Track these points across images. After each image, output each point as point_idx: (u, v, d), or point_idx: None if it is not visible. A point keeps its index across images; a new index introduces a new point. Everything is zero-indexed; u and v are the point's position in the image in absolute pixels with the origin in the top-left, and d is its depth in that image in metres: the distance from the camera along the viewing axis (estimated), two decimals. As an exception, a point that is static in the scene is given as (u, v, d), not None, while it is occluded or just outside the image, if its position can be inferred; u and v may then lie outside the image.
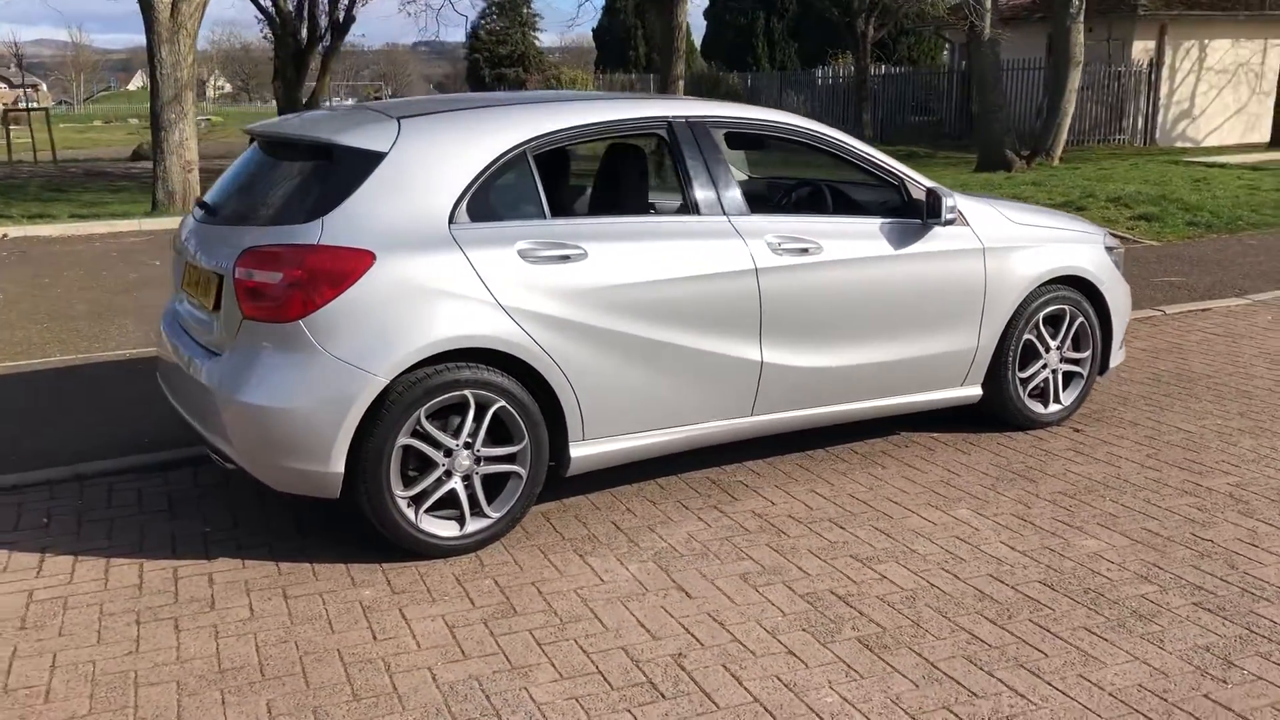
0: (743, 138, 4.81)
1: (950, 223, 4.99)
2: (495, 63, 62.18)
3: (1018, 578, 3.90)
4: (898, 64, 34.72)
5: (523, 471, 4.20)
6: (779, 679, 3.26)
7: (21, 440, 5.48)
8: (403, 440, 3.97)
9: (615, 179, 4.89)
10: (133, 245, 12.02)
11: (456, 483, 4.10)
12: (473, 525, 4.15)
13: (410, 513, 4.03)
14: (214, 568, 4.07)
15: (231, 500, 4.72)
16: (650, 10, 52.35)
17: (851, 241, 4.82)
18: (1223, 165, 18.26)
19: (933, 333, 5.07)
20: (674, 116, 4.62)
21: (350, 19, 20.36)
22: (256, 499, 4.70)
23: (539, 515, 4.48)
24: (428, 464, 4.05)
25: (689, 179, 4.56)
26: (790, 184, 5.86)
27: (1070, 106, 18.79)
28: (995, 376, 5.33)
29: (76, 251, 11.74)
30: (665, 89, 16.90)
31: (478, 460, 4.12)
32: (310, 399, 3.85)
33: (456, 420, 4.08)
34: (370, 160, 4.05)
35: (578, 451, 4.33)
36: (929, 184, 5.05)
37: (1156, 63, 25.64)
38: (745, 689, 3.21)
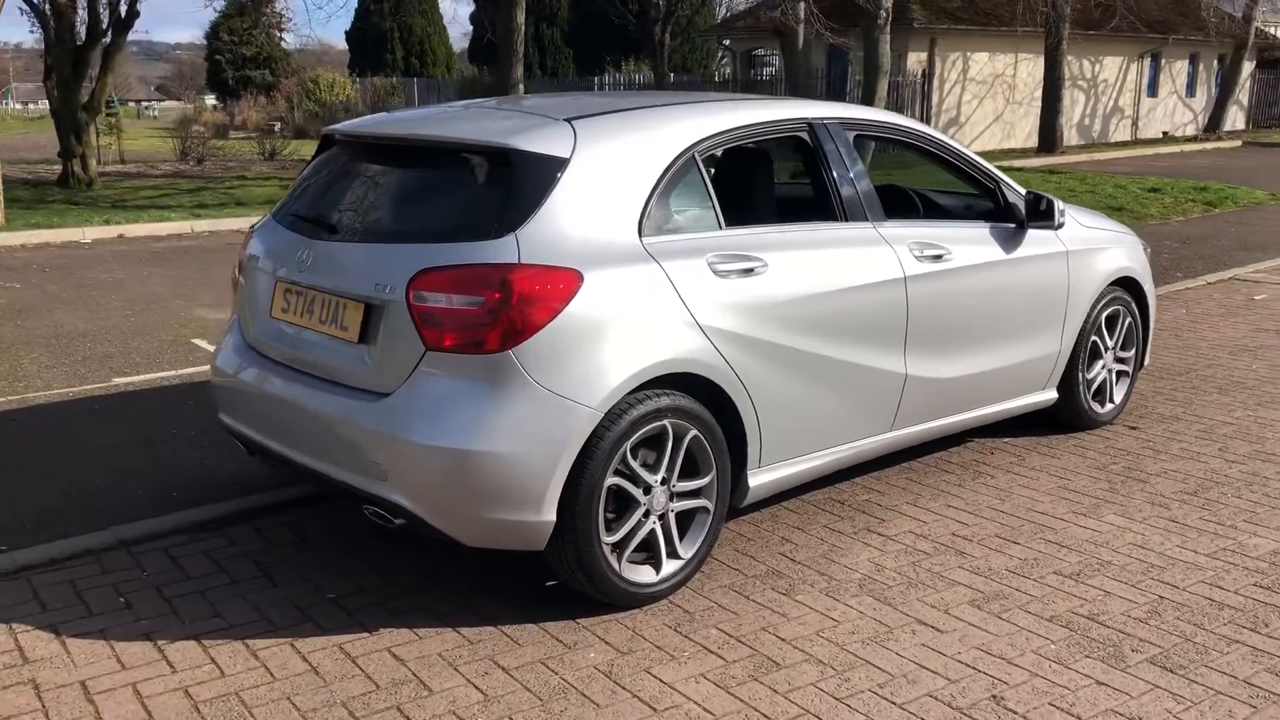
0: (863, 140, 4.58)
1: (1061, 226, 4.96)
2: (239, 64, 59.02)
3: (1232, 583, 3.87)
4: (673, 71, 35.24)
5: (710, 505, 3.83)
6: (1117, 713, 3.07)
7: (15, 503, 4.57)
8: (610, 480, 3.52)
9: (749, 184, 4.54)
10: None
11: (655, 523, 3.69)
12: (669, 568, 3.74)
13: (614, 560, 3.59)
14: (385, 641, 3.48)
15: (329, 559, 4.08)
16: (411, 12, 51.13)
17: (972, 247, 4.71)
18: (1019, 169, 19.52)
19: (1030, 337, 5.02)
20: (814, 118, 4.35)
21: (134, 13, 18.59)
22: (355, 553, 4.09)
23: (700, 551, 4.10)
24: (626, 504, 3.62)
25: (835, 183, 4.30)
26: None
27: (880, 113, 19.54)
28: (1067, 379, 5.35)
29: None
30: (504, 93, 16.32)
31: (671, 496, 3.72)
32: (521, 439, 3.34)
33: (643, 454, 3.66)
34: (555, 167, 3.56)
35: (756, 479, 4.00)
36: (1019, 188, 5.00)
37: (928, 74, 27.22)
38: (1098, 728, 3.00)
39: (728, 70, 33.15)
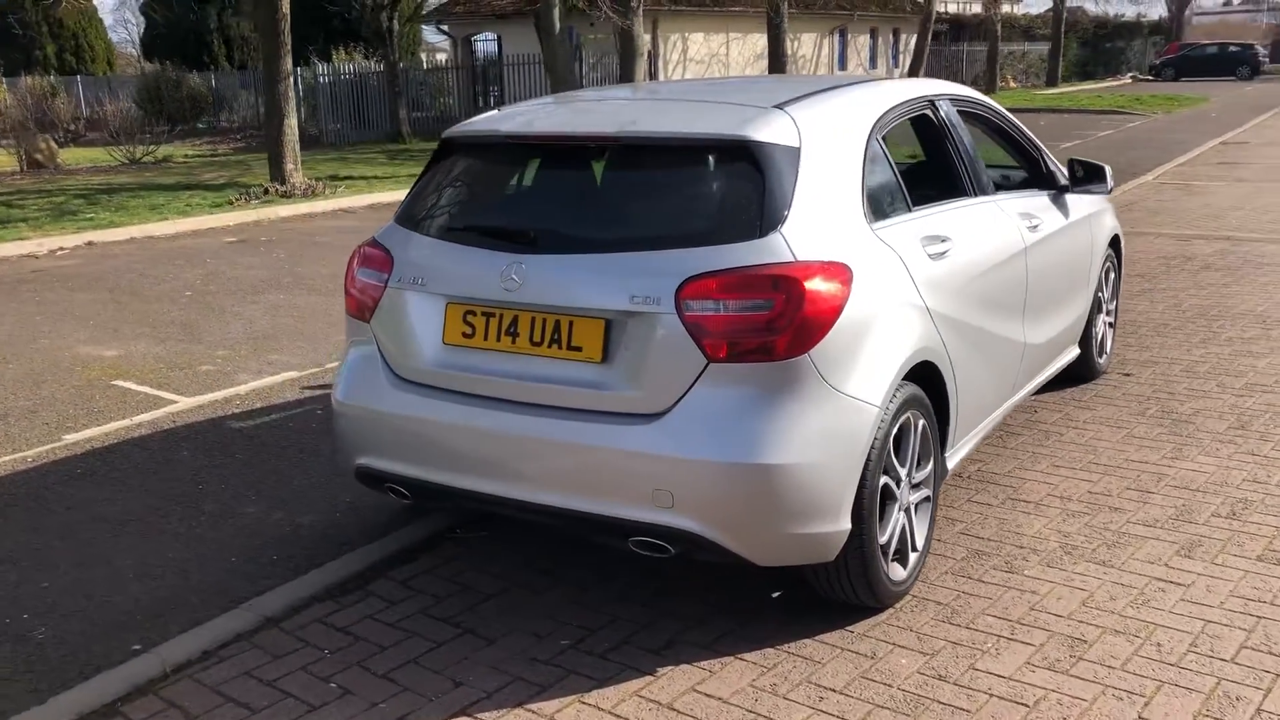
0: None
1: (1110, 190, 5.20)
2: None
3: (1365, 506, 4.23)
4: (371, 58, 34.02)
5: (930, 493, 3.76)
6: None
7: (94, 592, 3.82)
8: (883, 478, 3.38)
9: (898, 163, 4.43)
10: None
11: (904, 518, 3.58)
12: (911, 561, 3.65)
13: (883, 561, 3.45)
14: (680, 683, 3.17)
15: (518, 602, 3.68)
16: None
17: (1047, 214, 4.86)
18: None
19: (1076, 297, 5.26)
20: (932, 95, 4.33)
21: None
22: (539, 592, 3.73)
23: (889, 541, 4.01)
24: (886, 502, 3.49)
25: (964, 159, 4.31)
26: None
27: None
28: (1085, 334, 5.64)
29: None
30: (273, 87, 15.05)
31: (910, 488, 3.63)
32: (822, 447, 3.14)
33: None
34: (793, 158, 3.35)
35: (950, 461, 3.96)
36: (1053, 158, 5.22)
37: (653, 54, 27.84)
38: None
39: (442, 58, 32.44)
